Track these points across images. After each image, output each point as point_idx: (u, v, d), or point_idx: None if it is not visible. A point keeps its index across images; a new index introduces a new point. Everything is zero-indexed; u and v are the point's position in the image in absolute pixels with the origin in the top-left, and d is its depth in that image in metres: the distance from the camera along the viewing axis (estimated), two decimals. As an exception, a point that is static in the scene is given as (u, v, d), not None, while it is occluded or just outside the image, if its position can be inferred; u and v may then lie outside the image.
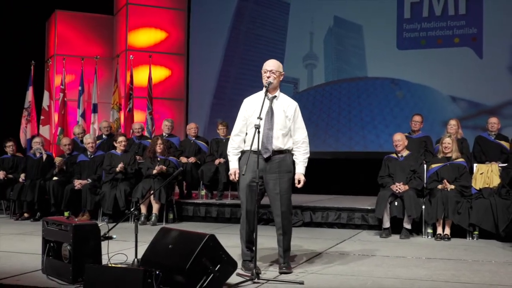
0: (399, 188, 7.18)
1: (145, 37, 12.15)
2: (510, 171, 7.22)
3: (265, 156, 4.84)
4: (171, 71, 12.35)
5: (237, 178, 4.92)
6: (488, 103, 10.30)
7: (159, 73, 12.15)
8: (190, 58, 12.55)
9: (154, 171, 8.41)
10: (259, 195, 4.89)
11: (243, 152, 4.94)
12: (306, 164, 4.97)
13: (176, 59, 12.44)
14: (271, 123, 4.87)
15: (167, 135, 9.69)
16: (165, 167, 8.44)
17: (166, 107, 12.20)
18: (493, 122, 8.30)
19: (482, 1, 10.51)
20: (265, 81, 4.89)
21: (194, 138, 9.83)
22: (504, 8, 10.30)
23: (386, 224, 7.16)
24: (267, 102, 4.92)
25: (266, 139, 4.84)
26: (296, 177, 4.92)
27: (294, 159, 4.98)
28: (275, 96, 4.97)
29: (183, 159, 9.32)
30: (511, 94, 10.19)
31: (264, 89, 4.85)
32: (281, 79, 5.03)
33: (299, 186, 4.89)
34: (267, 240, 4.96)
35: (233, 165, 4.98)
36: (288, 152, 4.93)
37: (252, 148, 4.66)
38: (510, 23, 10.24)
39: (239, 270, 4.41)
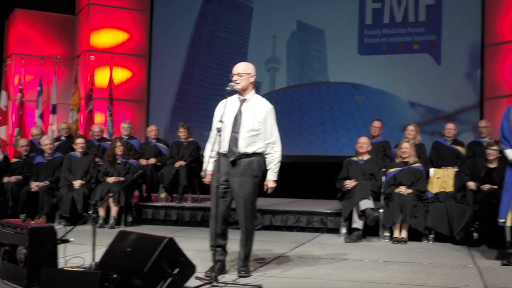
0: (349, 185, 7.33)
1: (106, 38, 12.03)
2: (463, 175, 7.38)
3: (231, 159, 4.83)
4: (133, 73, 12.25)
5: (207, 180, 4.95)
6: (446, 109, 10.51)
7: (120, 74, 12.04)
8: (152, 60, 12.47)
9: (109, 180, 8.34)
10: (227, 198, 4.90)
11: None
12: (277, 170, 4.94)
13: (138, 60, 12.34)
14: (238, 126, 4.86)
15: (126, 137, 9.61)
16: (123, 178, 8.38)
17: (127, 109, 12.09)
18: (450, 128, 8.46)
19: (441, 9, 10.73)
20: (230, 85, 4.87)
21: (154, 141, 9.76)
22: (462, 16, 10.53)
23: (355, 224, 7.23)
24: (237, 105, 4.93)
25: (232, 142, 4.83)
26: (266, 183, 4.92)
27: (267, 165, 4.97)
28: (245, 99, 4.96)
29: (143, 161, 9.25)
30: (468, 101, 10.42)
31: (227, 94, 4.85)
32: (251, 80, 4.98)
33: (269, 192, 4.89)
34: (230, 243, 4.98)
35: (207, 167, 5.00)
36: (256, 156, 4.89)
37: (216, 151, 4.71)
38: (467, 31, 10.47)
39: (197, 273, 4.40)
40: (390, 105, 10.85)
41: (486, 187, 6.87)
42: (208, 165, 5.00)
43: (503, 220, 5.47)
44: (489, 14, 10.31)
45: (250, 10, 12.02)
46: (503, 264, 5.50)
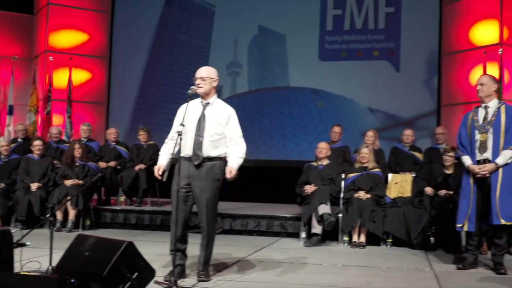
0: (309, 190, 7.39)
1: (66, 38, 11.84)
2: (420, 180, 7.52)
3: (196, 162, 4.82)
4: (92, 74, 12.10)
5: (159, 175, 4.86)
6: (404, 115, 10.69)
7: (80, 76, 11.87)
8: (113, 61, 12.34)
9: (67, 183, 8.22)
10: (189, 202, 4.87)
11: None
12: (239, 162, 4.88)
13: (98, 62, 12.20)
14: (201, 129, 4.85)
15: (85, 139, 9.50)
16: (81, 181, 8.27)
17: (86, 110, 11.92)
18: (408, 134, 8.61)
19: (400, 17, 10.93)
20: (192, 89, 4.85)
21: (114, 143, 9.67)
22: (420, 25, 10.75)
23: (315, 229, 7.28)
24: (199, 109, 4.92)
25: (196, 145, 4.82)
26: (227, 169, 4.84)
27: (227, 159, 4.93)
28: (208, 103, 4.96)
29: (102, 164, 9.15)
30: (425, 107, 10.64)
31: (189, 97, 4.83)
32: (214, 85, 4.99)
33: (229, 176, 4.79)
34: (190, 247, 4.96)
35: (159, 162, 4.95)
36: (218, 160, 4.90)
37: (175, 154, 4.68)
38: (425, 39, 10.69)
39: (157, 277, 4.37)
40: (350, 111, 10.98)
41: (442, 192, 7.00)
42: (163, 160, 4.96)
43: (460, 225, 5.59)
44: (446, 24, 10.56)
45: (212, 14, 12.02)
46: (458, 268, 5.62)
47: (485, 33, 9.90)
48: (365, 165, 7.64)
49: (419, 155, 8.54)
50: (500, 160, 5.37)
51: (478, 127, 5.55)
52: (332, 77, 11.11)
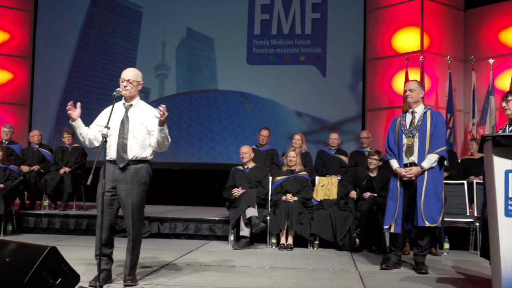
0: (237, 193, 7.45)
1: (-15, 37, 11.45)
2: (346, 183, 7.68)
3: (121, 165, 4.74)
4: (14, 75, 11.72)
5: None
6: (330, 119, 10.91)
7: (1, 76, 11.49)
8: (36, 61, 11.99)
9: None
10: (114, 206, 4.79)
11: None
12: (164, 127, 4.69)
13: (20, 62, 11.83)
14: (125, 131, 4.78)
15: (7, 141, 9.18)
16: (2, 185, 7.97)
17: (8, 112, 11.54)
18: (334, 137, 8.80)
19: (327, 23, 11.15)
20: (117, 91, 4.76)
21: (37, 146, 9.40)
22: (345, 31, 11.01)
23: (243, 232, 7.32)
24: (122, 111, 4.84)
25: (121, 148, 4.75)
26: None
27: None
28: (131, 105, 4.89)
29: (25, 168, 8.87)
30: (351, 112, 10.89)
31: (114, 99, 4.73)
32: (139, 88, 4.94)
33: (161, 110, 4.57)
34: (117, 252, 4.88)
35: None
36: (144, 163, 4.83)
37: (103, 157, 4.59)
38: (350, 45, 10.97)
39: (82, 283, 4.28)
40: (277, 114, 11.11)
41: (367, 195, 7.17)
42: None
43: (387, 227, 5.73)
44: (370, 30, 10.87)
45: (139, 15, 11.88)
46: (382, 268, 5.77)
47: (407, 40, 10.26)
48: (292, 168, 7.74)
49: (344, 158, 8.74)
50: (426, 164, 5.55)
51: (405, 132, 5.72)
52: (260, 81, 11.21)
